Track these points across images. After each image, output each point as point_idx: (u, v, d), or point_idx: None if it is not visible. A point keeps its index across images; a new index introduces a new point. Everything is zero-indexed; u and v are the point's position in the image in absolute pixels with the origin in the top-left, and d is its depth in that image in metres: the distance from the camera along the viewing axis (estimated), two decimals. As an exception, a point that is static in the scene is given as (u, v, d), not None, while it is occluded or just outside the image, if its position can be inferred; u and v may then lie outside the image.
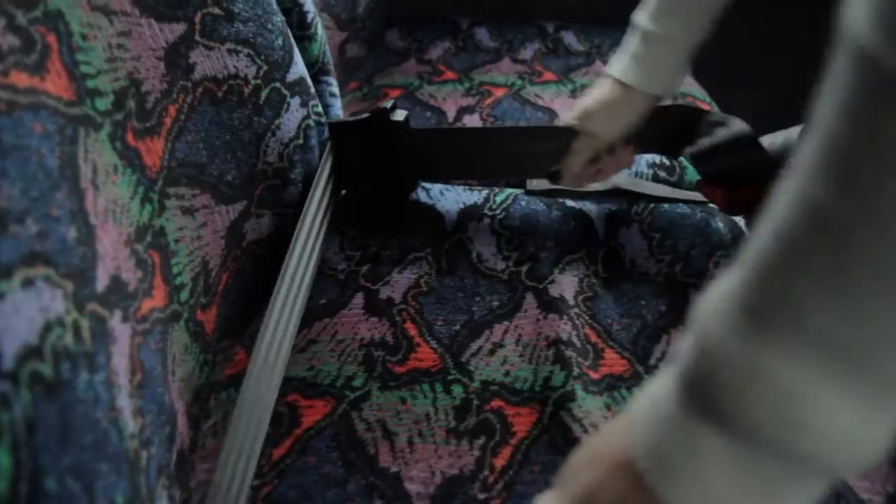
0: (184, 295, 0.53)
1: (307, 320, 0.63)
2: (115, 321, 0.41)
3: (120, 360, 0.40)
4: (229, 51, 0.57)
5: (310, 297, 0.66)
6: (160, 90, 0.50)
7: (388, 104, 0.69)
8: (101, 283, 0.40)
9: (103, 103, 0.44)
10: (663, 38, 0.62)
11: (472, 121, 0.94)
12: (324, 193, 0.68)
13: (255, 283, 0.65)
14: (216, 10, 0.55)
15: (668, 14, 0.62)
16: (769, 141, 0.88)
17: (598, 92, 0.68)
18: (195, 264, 0.55)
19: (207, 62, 0.55)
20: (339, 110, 0.79)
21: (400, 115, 0.69)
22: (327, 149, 0.70)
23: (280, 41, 0.62)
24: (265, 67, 0.60)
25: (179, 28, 0.52)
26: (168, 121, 0.51)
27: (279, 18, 0.63)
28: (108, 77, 0.45)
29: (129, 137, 0.46)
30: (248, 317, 0.65)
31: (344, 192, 0.77)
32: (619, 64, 0.66)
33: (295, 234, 0.62)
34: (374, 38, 1.16)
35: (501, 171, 0.80)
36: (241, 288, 0.63)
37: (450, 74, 1.07)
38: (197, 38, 0.53)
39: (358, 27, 1.08)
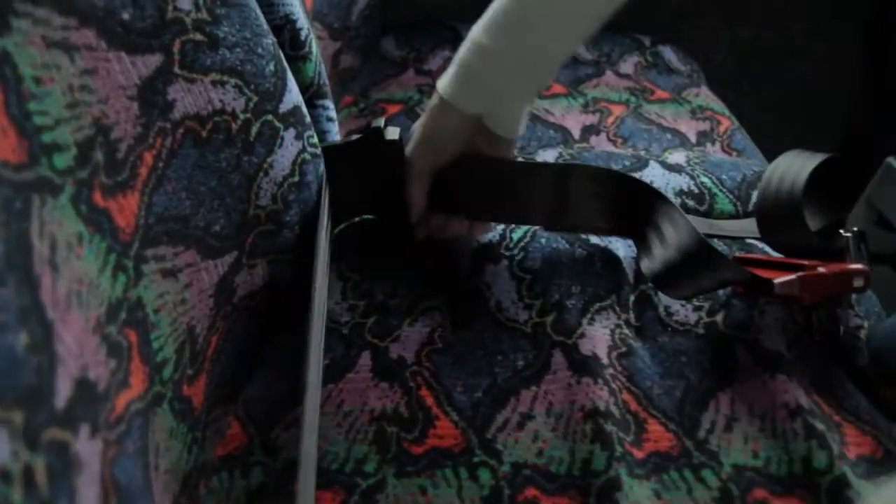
0: (167, 372, 0.45)
1: None
2: (82, 440, 0.33)
3: (89, 490, 0.32)
4: (214, 82, 0.48)
5: None
6: (133, 135, 0.42)
7: (381, 122, 0.61)
8: (63, 395, 0.32)
9: (63, 160, 0.36)
10: (491, 54, 0.56)
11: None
12: (327, 230, 0.60)
13: (249, 341, 0.57)
14: (198, 37, 0.47)
15: (502, 28, 0.56)
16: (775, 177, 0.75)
17: (422, 116, 0.62)
18: (179, 333, 0.47)
19: (189, 98, 0.46)
20: (336, 136, 0.71)
21: (393, 133, 0.61)
22: (324, 178, 0.62)
23: (272, 66, 0.54)
24: (255, 99, 0.52)
25: (155, 60, 0.43)
26: (144, 171, 0.43)
27: (270, 40, 0.55)
28: (69, 127, 0.36)
29: (97, 197, 0.38)
30: (241, 380, 0.57)
31: (339, 228, 0.70)
32: (444, 76, 0.60)
33: (313, 286, 0.54)
34: (369, 46, 1.08)
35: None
36: (234, 349, 0.55)
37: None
38: (176, 70, 0.45)
39: (352, 35, 1.00)
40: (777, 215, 0.65)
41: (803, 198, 0.63)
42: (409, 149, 0.62)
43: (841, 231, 0.61)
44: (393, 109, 0.94)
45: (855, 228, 0.62)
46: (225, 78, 0.50)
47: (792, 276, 0.55)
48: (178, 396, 0.47)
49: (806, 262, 0.57)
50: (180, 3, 0.46)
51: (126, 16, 0.41)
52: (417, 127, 0.62)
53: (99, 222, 0.38)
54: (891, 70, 1.28)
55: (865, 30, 1.31)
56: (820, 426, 0.52)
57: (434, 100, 0.60)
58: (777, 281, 0.54)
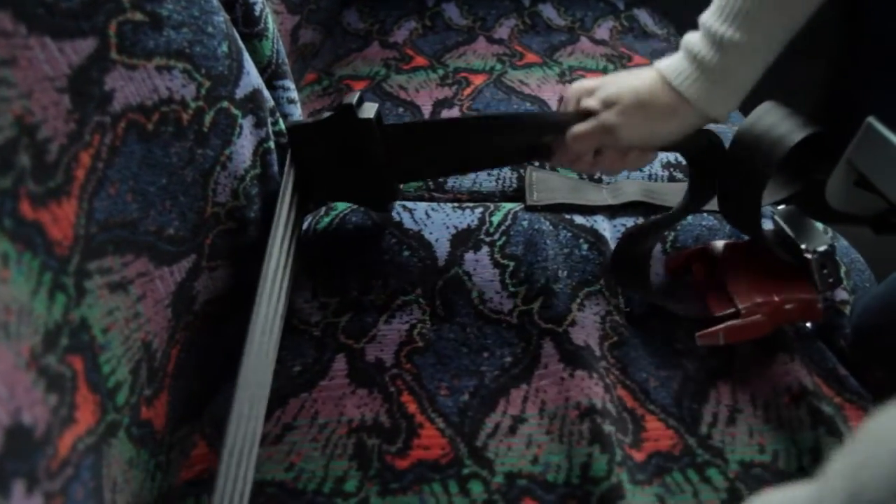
0: (121, 397, 0.41)
1: (280, 396, 0.51)
2: (17, 498, 0.28)
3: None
4: (158, 68, 0.43)
5: (282, 363, 0.53)
6: (66, 133, 0.36)
7: (354, 98, 0.55)
8: (-13, 449, 0.27)
9: (-23, 168, 0.31)
10: (741, 48, 0.49)
11: (451, 115, 0.82)
12: (288, 222, 0.55)
13: (214, 351, 0.53)
14: (137, 16, 0.42)
15: (750, 18, 0.48)
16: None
17: (638, 84, 0.53)
18: (134, 351, 0.42)
19: (130, 87, 0.41)
20: (298, 118, 0.66)
21: (369, 110, 0.56)
22: (288, 162, 0.57)
23: (224, 47, 0.49)
24: (207, 84, 0.47)
25: (87, 45, 0.38)
26: (81, 173, 0.38)
27: (221, 18, 0.49)
28: (-16, 130, 0.31)
29: (25, 208, 0.33)
30: (206, 395, 0.52)
31: (307, 222, 0.65)
32: (677, 67, 0.52)
33: (261, 279, 0.49)
34: (331, 19, 1.02)
35: (493, 162, 0.65)
36: (197, 361, 0.51)
37: (420, 60, 0.94)
38: (113, 55, 0.40)
39: (311, 8, 0.94)
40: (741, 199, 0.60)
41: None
42: (611, 116, 0.53)
43: (805, 253, 0.56)
44: (359, 86, 0.88)
45: (820, 249, 0.57)
46: (171, 62, 0.44)
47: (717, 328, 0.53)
48: (137, 421, 0.43)
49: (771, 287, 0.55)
50: (113, -22, 0.40)
51: (49, -5, 0.36)
52: (632, 104, 0.52)
53: (28, 237, 0.33)
54: (870, 28, 1.25)
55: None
56: (827, 409, 0.49)
57: (664, 96, 0.52)
58: (698, 334, 0.53)
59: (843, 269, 0.62)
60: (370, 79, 0.90)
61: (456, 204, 0.66)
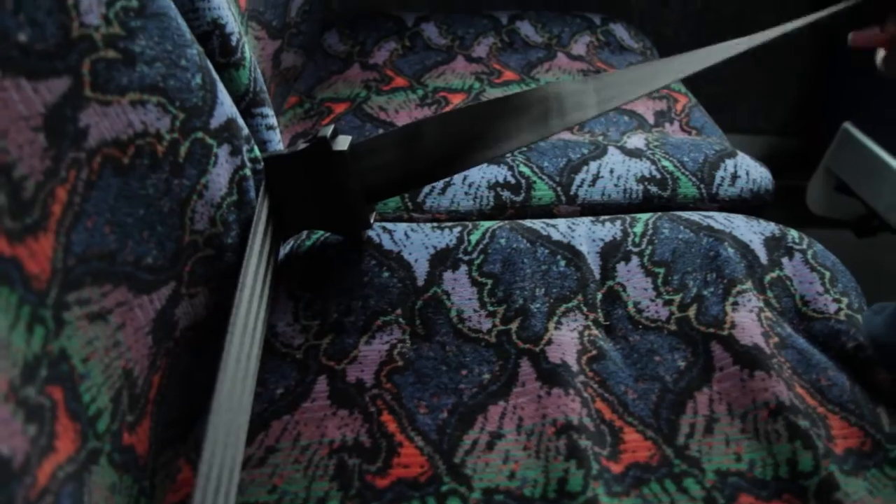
0: (102, 424, 0.41)
1: (264, 419, 0.52)
2: (-8, 529, 0.29)
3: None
4: (133, 103, 0.44)
5: (264, 386, 0.54)
6: (42, 171, 0.37)
7: (328, 131, 0.57)
8: (-37, 484, 0.28)
9: (-46, 209, 0.32)
10: None
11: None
12: (263, 249, 0.56)
13: (197, 376, 0.53)
14: (111, 54, 0.43)
15: None
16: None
17: None
18: (115, 379, 0.43)
19: (105, 122, 0.42)
20: (278, 144, 0.67)
21: (343, 143, 0.57)
22: (262, 191, 0.58)
23: (198, 79, 0.50)
24: (182, 116, 0.48)
25: (61, 84, 0.39)
26: (57, 209, 0.39)
27: (194, 50, 0.50)
28: (-41, 171, 0.32)
29: (2, 244, 0.34)
30: (190, 419, 0.53)
31: (289, 245, 0.66)
32: None
33: (234, 307, 0.50)
34: (312, 42, 1.03)
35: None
36: (180, 386, 0.52)
37: (400, 81, 0.95)
38: (87, 93, 0.41)
39: (292, 32, 0.95)
40: None
41: None
42: None
43: None
44: (339, 108, 0.90)
45: None
46: (145, 97, 0.45)
47: None
48: (118, 447, 0.43)
49: None
50: (87, 18, 0.41)
51: (23, 37, 0.37)
52: None
53: (6, 272, 0.34)
54: (842, 36, 1.27)
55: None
56: (803, 423, 0.50)
57: None
58: None
59: (827, 275, 0.63)
60: (351, 101, 0.91)
61: (435, 224, 0.67)
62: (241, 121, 0.56)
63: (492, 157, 0.59)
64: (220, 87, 0.54)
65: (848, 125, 1.19)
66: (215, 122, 0.52)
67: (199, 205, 0.50)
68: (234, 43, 0.59)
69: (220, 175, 0.52)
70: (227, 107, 0.54)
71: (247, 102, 0.61)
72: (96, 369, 0.41)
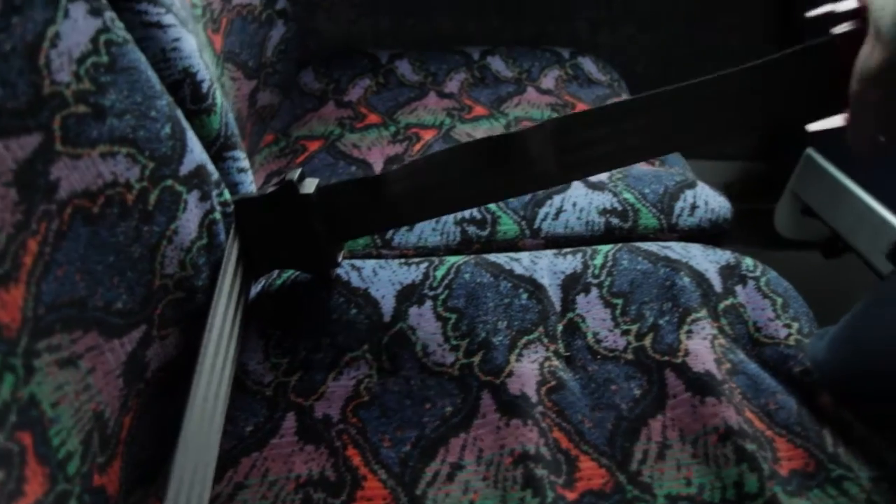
0: (72, 467, 0.43)
1: (233, 456, 0.54)
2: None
3: None
4: (102, 154, 0.46)
5: (235, 424, 0.56)
6: (13, 224, 0.40)
7: (295, 175, 0.59)
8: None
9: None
10: None
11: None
12: (232, 290, 0.58)
13: (169, 416, 0.55)
14: (81, 109, 0.45)
15: None
16: None
17: None
18: (85, 422, 0.45)
19: (75, 175, 0.44)
20: (250, 185, 0.69)
21: (310, 185, 0.60)
22: (232, 233, 0.60)
23: (168, 129, 0.52)
24: (151, 165, 0.51)
25: (32, 141, 0.41)
26: (28, 260, 0.41)
27: (164, 101, 0.53)
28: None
29: (-27, 296, 0.36)
30: (161, 458, 0.55)
31: (260, 284, 0.68)
32: None
33: (202, 348, 0.52)
34: (288, 81, 1.06)
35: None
36: (151, 427, 0.53)
37: (373, 118, 0.98)
38: (58, 147, 0.43)
39: (268, 72, 0.98)
40: None
41: None
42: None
43: None
44: (313, 146, 0.92)
45: None
46: (115, 148, 0.48)
47: None
48: (88, 489, 0.45)
49: None
50: (58, 76, 0.43)
51: (-5, 99, 0.39)
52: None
53: (-23, 324, 0.36)
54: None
55: (777, 26, 1.33)
56: (750, 447, 0.52)
57: None
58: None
59: (779, 301, 0.66)
60: (325, 138, 0.94)
61: (402, 260, 0.70)
62: (211, 166, 0.59)
63: (462, 208, 0.61)
64: (190, 135, 0.56)
65: (811, 151, 1.23)
66: (185, 170, 0.54)
67: (168, 250, 0.52)
68: (204, 90, 0.62)
69: (189, 220, 0.55)
70: (196, 154, 0.56)
71: (218, 147, 0.64)
72: (66, 413, 0.43)
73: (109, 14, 0.48)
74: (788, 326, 0.63)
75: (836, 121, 0.56)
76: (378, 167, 0.86)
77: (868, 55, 0.47)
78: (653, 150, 0.61)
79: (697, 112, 0.56)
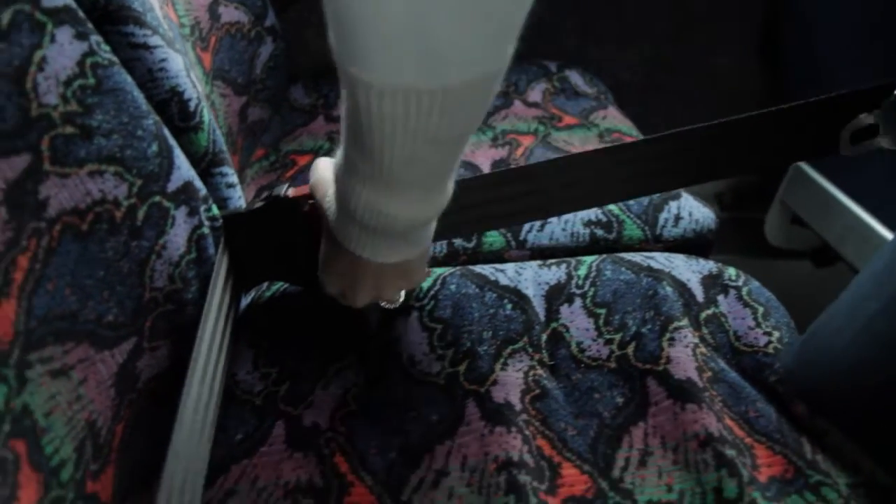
0: (65, 475, 0.44)
1: (224, 464, 0.55)
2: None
3: None
4: (91, 173, 0.48)
5: (225, 432, 0.57)
6: (3, 241, 0.41)
7: (283, 189, 0.60)
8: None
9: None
10: None
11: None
12: (222, 303, 0.60)
13: (161, 425, 0.56)
14: (69, 130, 0.46)
15: None
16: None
17: None
18: (78, 431, 0.46)
19: (64, 193, 0.46)
20: (239, 200, 0.71)
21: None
22: (221, 247, 0.61)
23: (154, 147, 0.54)
24: (139, 182, 0.52)
25: (21, 161, 0.43)
26: (19, 275, 0.42)
27: (151, 121, 0.54)
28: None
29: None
30: (154, 465, 0.56)
31: (251, 296, 0.69)
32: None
33: (192, 361, 0.53)
34: (278, 96, 1.08)
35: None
36: (143, 435, 0.54)
37: (362, 132, 0.99)
38: (46, 167, 0.44)
39: (258, 88, 0.99)
40: None
41: None
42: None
43: None
44: (303, 160, 0.94)
45: None
46: (103, 167, 0.49)
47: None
48: (82, 495, 0.46)
49: None
50: (45, 99, 0.45)
51: (-16, 121, 0.40)
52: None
53: (-31, 341, 0.37)
54: (790, 74, 1.32)
55: (760, 41, 1.35)
56: (730, 453, 0.53)
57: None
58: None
59: (760, 310, 0.67)
60: (314, 152, 0.95)
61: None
62: (198, 182, 0.60)
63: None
64: (178, 152, 0.57)
65: (799, 161, 1.24)
66: (172, 186, 0.55)
67: (157, 264, 0.54)
68: (192, 108, 0.63)
69: (177, 235, 0.56)
70: (184, 170, 0.57)
71: (206, 163, 0.65)
72: (59, 422, 0.44)
73: (95, 38, 0.49)
74: (769, 335, 0.64)
75: None
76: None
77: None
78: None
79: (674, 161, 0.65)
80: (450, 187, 0.49)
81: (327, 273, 0.58)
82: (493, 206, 0.62)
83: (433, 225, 0.53)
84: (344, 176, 0.47)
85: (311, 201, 0.59)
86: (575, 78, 1.14)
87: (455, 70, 0.35)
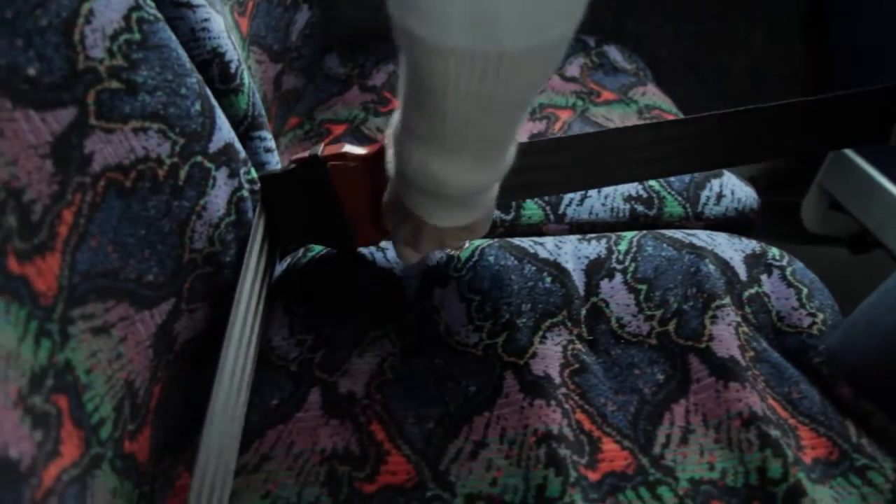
0: (104, 432, 0.44)
1: (259, 428, 0.54)
2: (1, 526, 0.32)
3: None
4: (135, 130, 0.47)
5: (261, 397, 0.57)
6: (49, 194, 0.40)
7: (319, 148, 0.60)
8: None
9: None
10: None
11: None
12: (259, 266, 0.59)
13: (196, 387, 0.56)
14: (114, 84, 0.46)
15: None
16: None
17: None
18: (117, 390, 0.46)
19: (108, 149, 0.45)
20: (276, 165, 0.70)
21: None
22: (258, 210, 0.61)
23: (197, 106, 0.53)
24: (182, 141, 0.51)
25: (67, 114, 0.42)
26: (63, 230, 0.41)
27: (194, 79, 0.53)
28: (-28, 195, 0.35)
29: (12, 263, 0.37)
30: (190, 428, 0.56)
31: (286, 262, 0.68)
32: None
33: (229, 324, 0.53)
34: (312, 65, 1.07)
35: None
36: (179, 397, 0.54)
37: (396, 103, 0.98)
38: (92, 121, 0.44)
39: (293, 56, 0.98)
40: None
41: None
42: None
43: None
44: (338, 130, 0.93)
45: None
46: (147, 124, 0.48)
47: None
48: (120, 454, 0.46)
49: None
50: (92, 52, 0.44)
51: (32, 71, 0.39)
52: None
53: (15, 289, 0.37)
54: (833, 55, 1.29)
55: (802, 20, 1.32)
56: (774, 433, 0.52)
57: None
58: None
59: (805, 291, 0.65)
60: (349, 122, 0.94)
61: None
62: (238, 145, 0.59)
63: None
64: (219, 113, 0.57)
65: (839, 144, 1.22)
66: (214, 147, 0.55)
67: (198, 225, 0.53)
68: (233, 70, 0.62)
69: (218, 196, 0.55)
70: (225, 132, 0.57)
71: (245, 126, 0.64)
72: (99, 380, 0.44)
73: None
74: (813, 316, 0.63)
75: None
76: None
77: None
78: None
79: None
80: (508, 157, 0.47)
81: (389, 221, 0.57)
82: (535, 173, 0.61)
83: (493, 192, 0.52)
84: (400, 136, 0.47)
85: (339, 162, 0.59)
86: (613, 53, 1.12)
87: (511, 36, 0.34)
